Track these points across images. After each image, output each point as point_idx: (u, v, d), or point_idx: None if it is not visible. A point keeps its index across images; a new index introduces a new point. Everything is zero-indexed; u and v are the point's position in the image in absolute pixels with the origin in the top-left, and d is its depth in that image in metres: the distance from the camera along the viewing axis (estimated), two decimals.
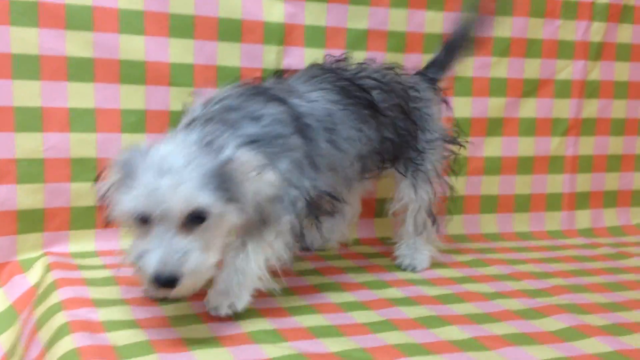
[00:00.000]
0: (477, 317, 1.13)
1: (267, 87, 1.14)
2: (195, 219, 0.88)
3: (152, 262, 0.85)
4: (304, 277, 1.28)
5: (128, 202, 0.88)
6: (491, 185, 1.76)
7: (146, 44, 1.38)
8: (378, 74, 1.28)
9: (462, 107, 1.69)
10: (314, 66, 1.26)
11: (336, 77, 1.20)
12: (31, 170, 1.31)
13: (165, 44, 1.39)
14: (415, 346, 0.98)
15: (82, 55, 1.33)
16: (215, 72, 1.43)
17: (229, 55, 1.44)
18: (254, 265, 1.03)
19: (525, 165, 1.78)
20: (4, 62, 1.27)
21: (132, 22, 1.36)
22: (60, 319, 1.00)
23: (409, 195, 1.36)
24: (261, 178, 0.95)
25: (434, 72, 1.43)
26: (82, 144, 1.35)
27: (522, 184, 1.79)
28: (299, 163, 1.06)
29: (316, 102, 1.14)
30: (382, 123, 1.24)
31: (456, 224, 1.72)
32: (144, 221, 0.88)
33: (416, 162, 1.33)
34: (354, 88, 1.20)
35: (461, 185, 1.71)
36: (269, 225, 1.02)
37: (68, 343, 0.91)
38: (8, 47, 1.27)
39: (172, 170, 0.87)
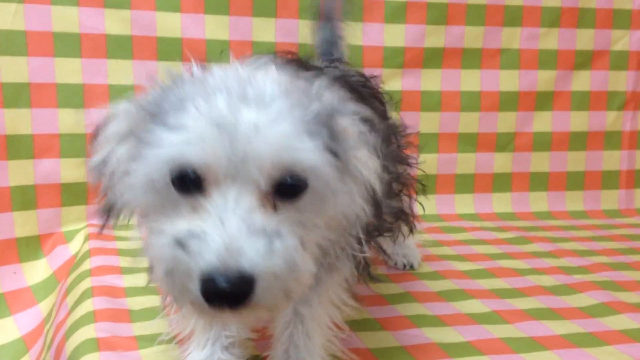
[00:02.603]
0: (504, 291, 1.10)
1: None
2: (287, 188, 0.53)
3: (212, 246, 0.49)
4: None
5: (171, 146, 0.50)
6: (541, 161, 1.70)
7: (182, 20, 1.40)
8: (363, 81, 1.03)
9: (509, 80, 1.64)
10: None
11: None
12: (74, 145, 1.36)
13: (201, 21, 1.41)
14: (429, 317, 0.97)
15: (120, 33, 1.37)
16: (250, 47, 1.44)
17: (264, 30, 1.45)
18: (318, 340, 0.73)
19: (578, 141, 1.71)
20: (46, 40, 1.32)
21: (168, 0, 1.39)
22: (86, 284, 1.04)
23: None
24: (372, 161, 0.59)
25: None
26: None
27: (575, 161, 1.72)
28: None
29: None
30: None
31: (503, 202, 1.67)
32: (194, 184, 0.52)
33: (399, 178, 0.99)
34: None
35: (508, 161, 1.67)
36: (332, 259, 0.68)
37: (88, 306, 0.95)
38: (50, 26, 1.32)
39: (262, 98, 0.52)
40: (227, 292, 0.48)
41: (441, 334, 0.91)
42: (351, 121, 0.58)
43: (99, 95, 1.37)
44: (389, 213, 0.81)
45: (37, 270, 1.28)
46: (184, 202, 0.52)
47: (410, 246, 1.22)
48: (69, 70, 1.34)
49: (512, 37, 1.63)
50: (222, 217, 0.50)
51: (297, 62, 0.89)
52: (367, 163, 0.58)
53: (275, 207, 0.53)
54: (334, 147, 0.55)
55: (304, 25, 1.47)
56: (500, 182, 1.67)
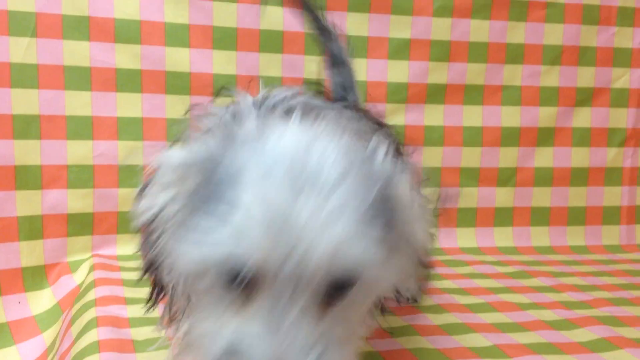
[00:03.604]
0: (505, 326, 1.10)
1: None
2: (338, 287, 0.50)
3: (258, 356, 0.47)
4: None
5: (219, 244, 0.48)
6: (542, 196, 1.71)
7: (191, 55, 1.43)
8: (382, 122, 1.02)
9: (510, 116, 1.66)
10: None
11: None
12: (81, 176, 1.38)
13: (209, 56, 1.44)
14: (432, 351, 0.97)
15: (130, 67, 1.40)
16: (257, 82, 1.47)
17: (272, 65, 1.48)
18: None
19: (580, 176, 1.73)
20: (57, 74, 1.35)
21: (177, 35, 1.42)
22: (91, 314, 1.05)
23: None
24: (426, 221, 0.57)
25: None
26: (129, 151, 1.41)
27: (576, 196, 1.73)
28: None
29: None
30: None
31: (504, 236, 1.68)
32: (242, 281, 0.49)
33: None
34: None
35: (509, 196, 1.69)
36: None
37: (92, 336, 0.96)
38: (61, 60, 1.35)
39: (322, 186, 0.48)
40: None
41: None
42: (407, 189, 0.55)
43: (108, 128, 1.39)
44: None
45: (41, 300, 1.29)
46: (230, 297, 0.50)
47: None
48: (79, 103, 1.37)
49: (514, 74, 1.65)
50: (271, 323, 0.47)
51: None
52: (421, 230, 0.56)
53: (323, 308, 0.50)
54: (389, 223, 0.52)
55: (309, 60, 1.50)
56: (502, 217, 1.69)
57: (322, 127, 0.54)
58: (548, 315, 1.17)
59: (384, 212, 0.51)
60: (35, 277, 1.31)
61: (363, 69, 1.53)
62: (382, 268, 0.51)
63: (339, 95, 1.10)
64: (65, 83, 1.35)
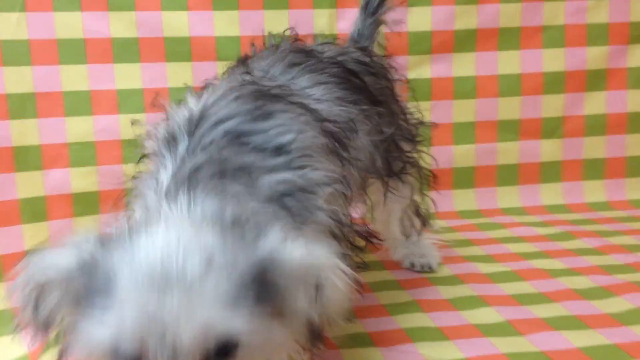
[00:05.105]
0: (526, 297, 0.97)
1: (263, 87, 0.80)
2: (220, 353, 0.55)
3: None
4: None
5: (103, 331, 0.54)
6: (595, 147, 1.54)
7: (190, 19, 1.34)
8: (359, 56, 1.03)
9: (553, 60, 1.49)
10: (282, 49, 0.96)
11: (322, 63, 0.91)
12: (83, 154, 1.32)
13: (209, 18, 1.35)
14: (429, 330, 0.87)
15: (126, 36, 1.33)
16: (263, 42, 1.36)
17: (278, 22, 1.37)
18: None
19: (638, 122, 1.54)
20: (50, 48, 1.29)
21: None
22: None
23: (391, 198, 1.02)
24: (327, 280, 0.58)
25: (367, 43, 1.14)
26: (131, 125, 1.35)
27: (634, 144, 1.55)
28: (340, 198, 0.76)
29: (327, 102, 0.85)
30: (382, 117, 0.96)
31: (553, 193, 1.52)
32: None
33: (408, 157, 1.04)
34: (352, 77, 0.94)
35: (556, 149, 1.52)
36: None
37: None
38: (53, 33, 1.29)
39: (182, 282, 0.53)
40: None
41: (436, 350, 0.81)
42: (291, 260, 0.57)
43: (108, 102, 1.33)
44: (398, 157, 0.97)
45: None
46: None
47: (427, 245, 1.12)
48: (75, 78, 1.31)
49: (556, 12, 1.48)
50: None
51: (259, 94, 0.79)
52: (305, 299, 0.57)
53: None
54: (268, 296, 0.56)
55: (319, 14, 1.39)
56: (549, 172, 1.53)
57: (196, 217, 0.60)
58: (581, 282, 1.03)
59: (261, 286, 0.56)
60: None
61: None
62: (262, 333, 0.56)
63: (353, 39, 1.13)
64: (59, 57, 1.29)
